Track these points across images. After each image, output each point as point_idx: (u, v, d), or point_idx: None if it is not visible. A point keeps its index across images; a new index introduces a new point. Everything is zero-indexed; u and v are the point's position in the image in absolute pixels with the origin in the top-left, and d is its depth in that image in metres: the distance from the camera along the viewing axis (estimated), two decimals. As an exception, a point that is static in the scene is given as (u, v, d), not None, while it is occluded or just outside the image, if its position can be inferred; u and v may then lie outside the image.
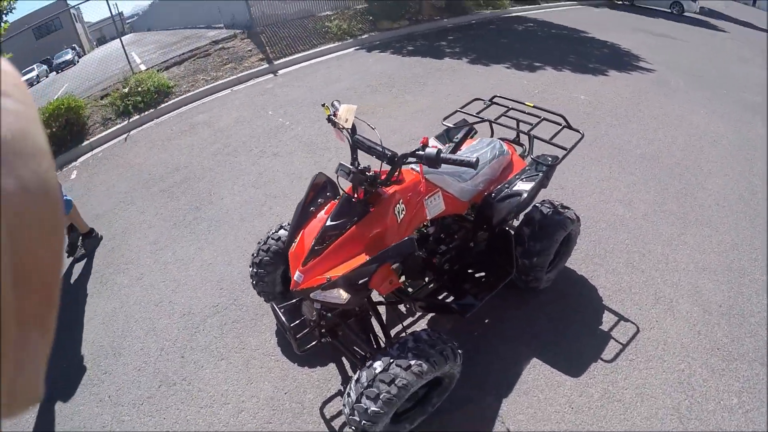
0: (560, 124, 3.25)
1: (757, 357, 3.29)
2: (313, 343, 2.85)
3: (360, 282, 2.23)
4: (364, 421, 2.23)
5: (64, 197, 5.08)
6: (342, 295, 2.26)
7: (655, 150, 5.86)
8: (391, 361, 2.23)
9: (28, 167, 0.31)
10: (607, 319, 3.46)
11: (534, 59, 9.16)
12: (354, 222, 2.34)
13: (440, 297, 3.03)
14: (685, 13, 18.71)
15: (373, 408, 2.17)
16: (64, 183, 6.36)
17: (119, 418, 3.01)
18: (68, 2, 36.02)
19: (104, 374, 3.32)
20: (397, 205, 2.42)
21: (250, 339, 3.41)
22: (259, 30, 13.03)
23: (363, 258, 2.29)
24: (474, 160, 2.12)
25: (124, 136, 8.90)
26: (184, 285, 4.00)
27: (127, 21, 68.44)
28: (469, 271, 3.19)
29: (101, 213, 5.27)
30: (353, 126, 2.49)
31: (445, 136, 3.37)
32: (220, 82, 10.84)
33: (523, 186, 2.92)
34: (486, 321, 3.46)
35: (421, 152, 2.17)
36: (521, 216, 3.25)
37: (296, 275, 2.34)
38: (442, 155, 2.12)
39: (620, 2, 19.47)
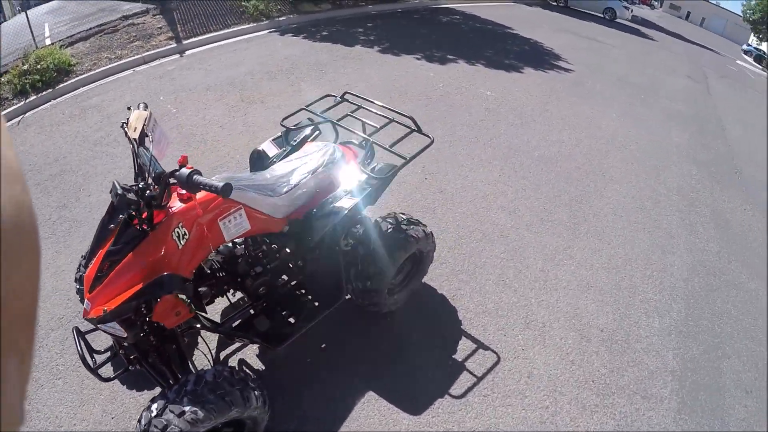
0: (410, 128, 2.78)
1: (638, 390, 2.92)
2: (121, 370, 2.58)
3: (133, 316, 2.13)
4: None
5: None
6: (122, 328, 2.12)
7: (556, 152, 5.51)
8: (166, 405, 2.05)
9: (3, 192, 0.31)
10: (464, 347, 3.00)
11: (448, 52, 8.80)
12: (131, 248, 2.09)
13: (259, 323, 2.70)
14: (618, 20, 18.91)
15: None
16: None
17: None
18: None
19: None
20: (176, 229, 2.13)
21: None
22: (173, 6, 12.29)
23: (138, 288, 2.08)
24: (220, 186, 1.85)
25: (19, 119, 8.33)
26: (36, 294, 3.41)
27: (54, -10, 66.32)
28: (299, 292, 2.86)
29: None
30: (142, 136, 2.20)
31: (284, 138, 2.92)
32: (124, 61, 10.12)
33: (345, 202, 2.54)
34: (323, 345, 2.99)
35: (176, 172, 1.93)
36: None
37: (85, 302, 2.13)
38: (194, 178, 1.88)
39: (554, 3, 19.55)
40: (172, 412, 2.01)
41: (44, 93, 9.26)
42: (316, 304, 2.81)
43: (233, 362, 2.98)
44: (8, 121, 8.12)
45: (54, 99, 9.08)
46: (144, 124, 2.24)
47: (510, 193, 4.58)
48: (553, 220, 4.24)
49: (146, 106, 2.39)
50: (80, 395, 2.92)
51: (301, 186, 2.52)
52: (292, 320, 2.73)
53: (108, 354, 2.66)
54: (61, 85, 9.48)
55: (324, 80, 7.24)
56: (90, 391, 2.92)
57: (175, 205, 2.17)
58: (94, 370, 2.41)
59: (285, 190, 2.49)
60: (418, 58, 8.20)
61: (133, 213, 2.06)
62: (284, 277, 2.86)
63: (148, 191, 2.02)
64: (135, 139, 2.18)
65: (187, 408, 2.01)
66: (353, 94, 3.10)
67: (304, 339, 2.91)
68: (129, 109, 2.40)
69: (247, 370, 2.67)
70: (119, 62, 10.11)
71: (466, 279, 3.47)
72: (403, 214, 2.93)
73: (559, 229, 4.12)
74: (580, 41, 12.31)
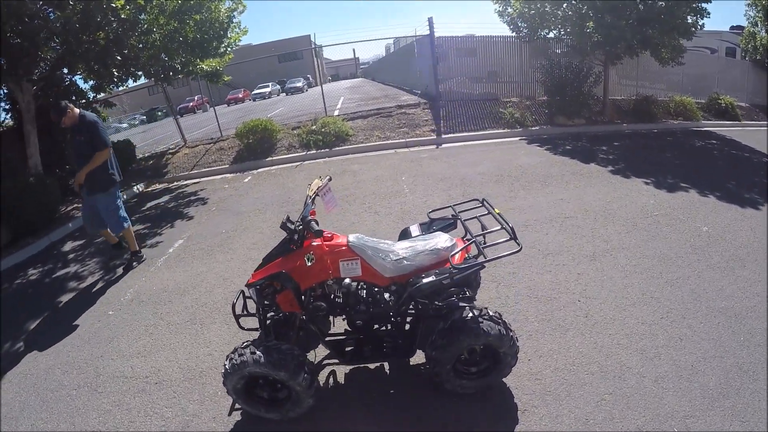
0: (510, 235, 3.28)
1: None
2: (255, 328, 3.75)
3: (264, 291, 3.34)
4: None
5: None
6: (255, 295, 3.38)
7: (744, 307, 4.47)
8: (249, 347, 3.15)
9: None
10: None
11: (683, 179, 8.40)
12: (281, 255, 3.34)
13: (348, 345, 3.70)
14: None
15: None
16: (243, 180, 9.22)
17: None
18: (311, 40, 42.68)
19: None
20: (308, 255, 3.24)
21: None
22: (441, 104, 14.12)
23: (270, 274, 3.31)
24: (315, 230, 3.11)
25: (297, 164, 11.35)
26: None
27: (362, 66, 76.37)
28: (387, 337, 3.67)
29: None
30: (315, 195, 3.53)
31: (428, 225, 3.86)
32: (390, 141, 12.55)
33: (427, 278, 3.22)
34: (391, 391, 3.71)
35: (307, 219, 3.18)
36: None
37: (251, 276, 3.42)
38: (309, 224, 3.14)
39: None
40: (249, 351, 3.08)
41: (321, 150, 11.85)
42: (392, 350, 3.57)
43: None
44: (291, 163, 11.39)
45: (327, 158, 11.67)
46: (318, 188, 3.56)
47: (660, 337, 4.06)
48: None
49: (330, 179, 3.77)
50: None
51: (408, 259, 3.31)
52: (367, 352, 3.56)
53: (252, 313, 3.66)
54: (336, 149, 12.04)
55: (543, 192, 7.88)
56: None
57: (315, 241, 3.28)
58: (237, 317, 3.50)
59: (394, 258, 3.31)
60: (646, 183, 8.20)
61: (290, 237, 3.26)
62: (381, 320, 3.62)
63: (300, 226, 3.24)
64: (309, 196, 3.45)
65: (257, 352, 3.05)
66: (488, 203, 3.77)
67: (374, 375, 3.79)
68: (320, 178, 3.72)
69: (309, 360, 3.33)
70: (386, 141, 12.40)
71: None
72: (493, 311, 3.32)
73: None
74: None
